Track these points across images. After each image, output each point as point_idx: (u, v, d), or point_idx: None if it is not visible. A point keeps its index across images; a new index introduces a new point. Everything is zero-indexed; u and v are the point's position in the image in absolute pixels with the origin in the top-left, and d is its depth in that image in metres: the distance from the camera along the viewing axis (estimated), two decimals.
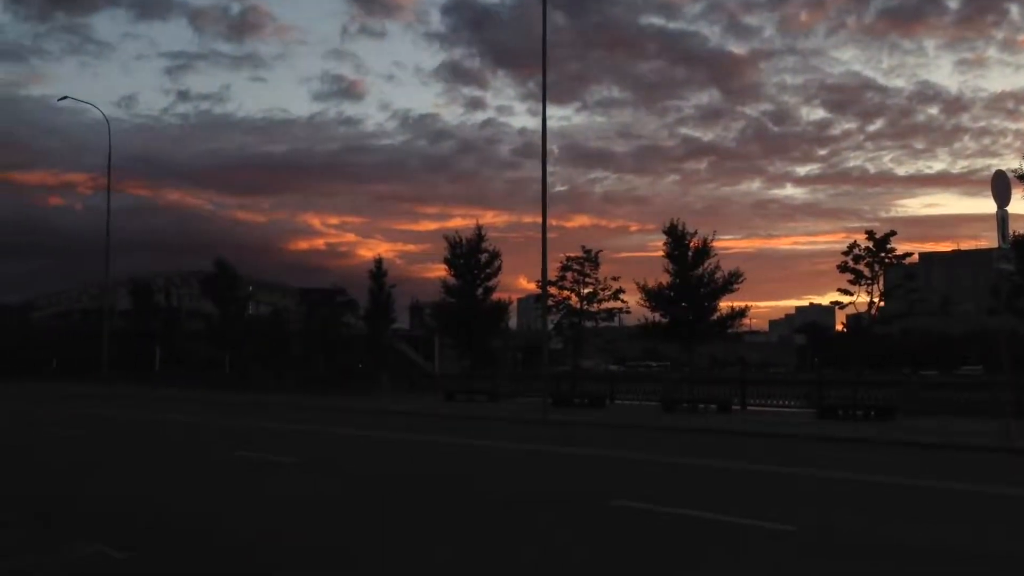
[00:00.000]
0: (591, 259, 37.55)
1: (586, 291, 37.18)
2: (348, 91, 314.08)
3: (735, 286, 34.18)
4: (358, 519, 10.46)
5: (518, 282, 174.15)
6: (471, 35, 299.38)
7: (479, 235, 40.58)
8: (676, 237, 34.43)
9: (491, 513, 10.84)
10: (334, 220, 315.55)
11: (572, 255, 37.29)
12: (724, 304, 35.05)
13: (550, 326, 35.71)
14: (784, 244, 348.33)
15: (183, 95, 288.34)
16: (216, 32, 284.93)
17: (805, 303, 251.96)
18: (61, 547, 8.77)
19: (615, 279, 37.42)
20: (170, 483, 13.52)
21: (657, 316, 35.26)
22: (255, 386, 48.93)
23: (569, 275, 37.12)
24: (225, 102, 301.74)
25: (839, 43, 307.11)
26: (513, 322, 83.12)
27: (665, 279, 34.77)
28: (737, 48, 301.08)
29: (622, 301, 37.50)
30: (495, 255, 40.90)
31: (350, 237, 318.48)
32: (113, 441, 20.99)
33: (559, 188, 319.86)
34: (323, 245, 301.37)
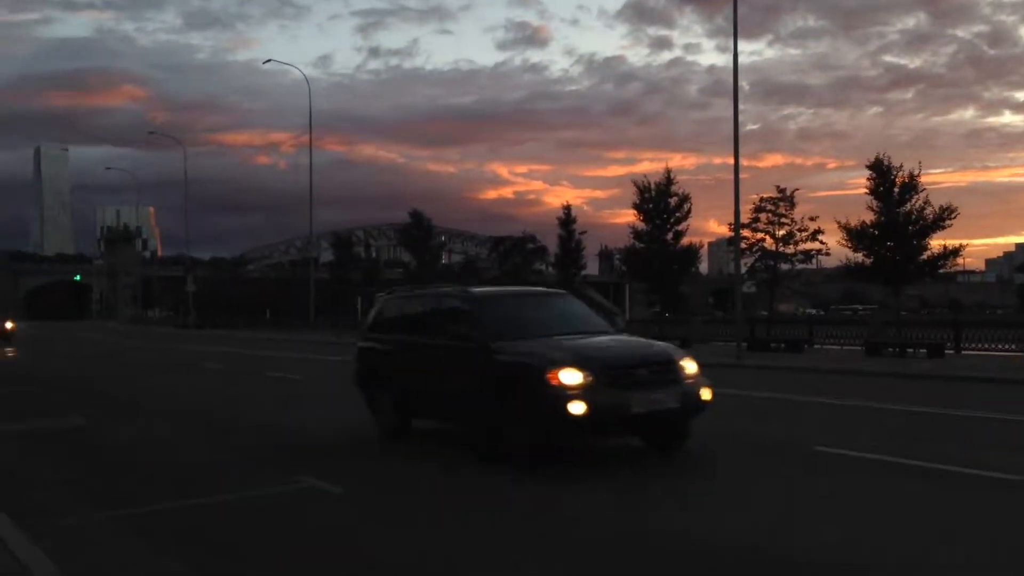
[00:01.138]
0: (786, 199, 36.06)
1: (781, 232, 35.78)
2: (532, 38, 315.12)
3: (947, 223, 31.86)
4: None
5: (708, 226, 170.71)
6: None
7: (668, 178, 39.67)
8: (881, 172, 32.41)
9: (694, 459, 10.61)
10: (521, 168, 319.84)
11: (766, 195, 35.96)
12: (935, 242, 32.81)
13: (743, 269, 34.62)
14: (1002, 176, 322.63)
15: (374, 52, 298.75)
16: None
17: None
18: (284, 481, 9.34)
19: (813, 219, 35.83)
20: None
21: (860, 257, 33.45)
22: None
23: (763, 216, 35.82)
24: (414, 56, 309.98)
25: None
26: (704, 267, 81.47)
27: (869, 217, 32.88)
28: None
29: (820, 242, 35.87)
30: (685, 198, 39.94)
31: (537, 185, 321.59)
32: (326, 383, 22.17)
33: (750, 127, 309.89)
34: (511, 194, 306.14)
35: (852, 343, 35.21)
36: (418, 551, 6.82)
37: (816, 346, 34.86)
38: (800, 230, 36.08)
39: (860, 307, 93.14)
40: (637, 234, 40.19)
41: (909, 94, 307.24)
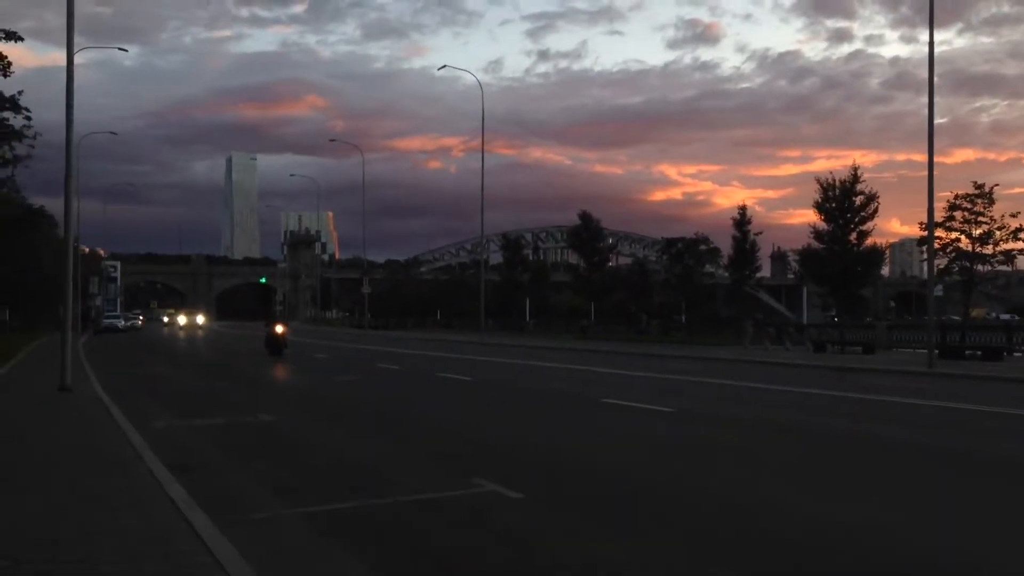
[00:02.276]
0: (984, 196, 33.51)
1: (979, 231, 33.26)
2: (703, 35, 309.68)
3: None
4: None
5: (890, 225, 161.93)
6: None
7: (854, 176, 37.78)
8: None
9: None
10: (690, 169, 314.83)
11: (962, 192, 33.53)
12: None
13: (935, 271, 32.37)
14: None
15: (543, 55, 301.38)
16: None
17: None
18: (461, 484, 9.17)
19: (1015, 215, 33.10)
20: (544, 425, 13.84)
21: None
22: (617, 335, 49.93)
23: (958, 214, 33.41)
24: (583, 58, 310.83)
25: None
26: (885, 270, 77.39)
27: None
28: None
29: (1023, 240, 33.15)
30: (871, 197, 37.88)
31: (706, 185, 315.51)
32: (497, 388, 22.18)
33: (939, 120, 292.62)
34: (679, 195, 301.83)
35: None
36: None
37: (1016, 354, 32.31)
38: (999, 228, 33.42)
39: None
40: (818, 234, 38.44)
41: None
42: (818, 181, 38.30)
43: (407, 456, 11.27)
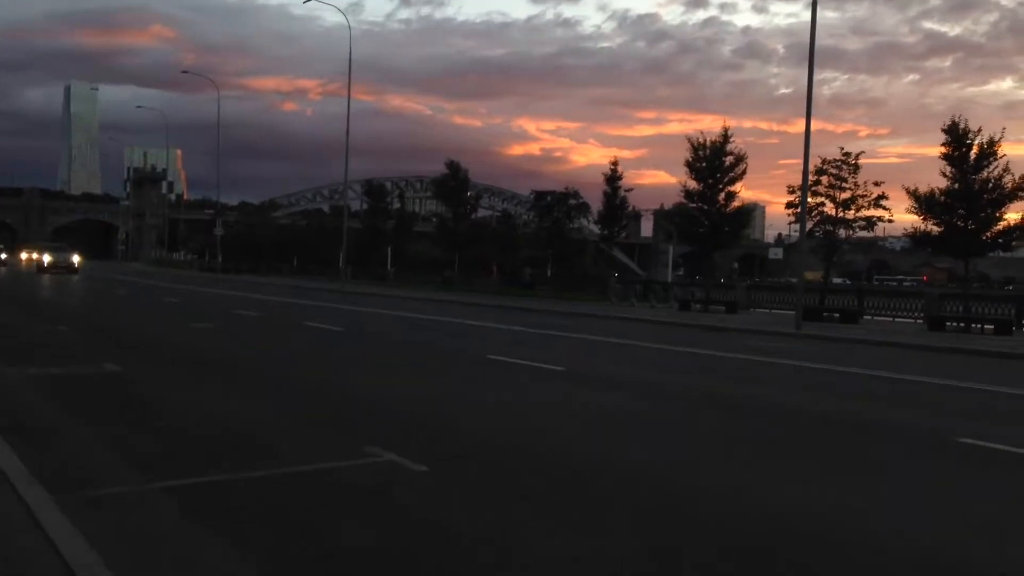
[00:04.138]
0: (849, 164, 34.09)
1: (843, 197, 33.87)
2: None
3: None
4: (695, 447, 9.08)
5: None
6: None
7: (725, 137, 37.88)
8: (956, 136, 30.39)
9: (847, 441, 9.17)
10: (549, 125, 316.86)
11: (830, 158, 33.99)
12: (1011, 215, 30.92)
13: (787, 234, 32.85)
14: None
15: (406, 0, 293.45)
16: None
17: None
18: (352, 453, 7.95)
19: (877, 184, 33.84)
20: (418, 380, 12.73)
21: (930, 225, 31.54)
22: (481, 287, 49.10)
23: (824, 179, 33.85)
24: (446, 6, 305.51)
25: None
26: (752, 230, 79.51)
27: (941, 183, 30.99)
28: None
29: (884, 208, 33.97)
30: (741, 158, 38.13)
31: (564, 142, 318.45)
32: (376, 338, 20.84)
33: (783, 90, 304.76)
34: (538, 150, 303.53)
35: (904, 315, 33.72)
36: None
37: (866, 317, 33.34)
38: (861, 195, 34.13)
39: (905, 279, 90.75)
40: (688, 193, 38.47)
41: (947, 62, 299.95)
42: (689, 140, 38.29)
43: (284, 419, 9.92)
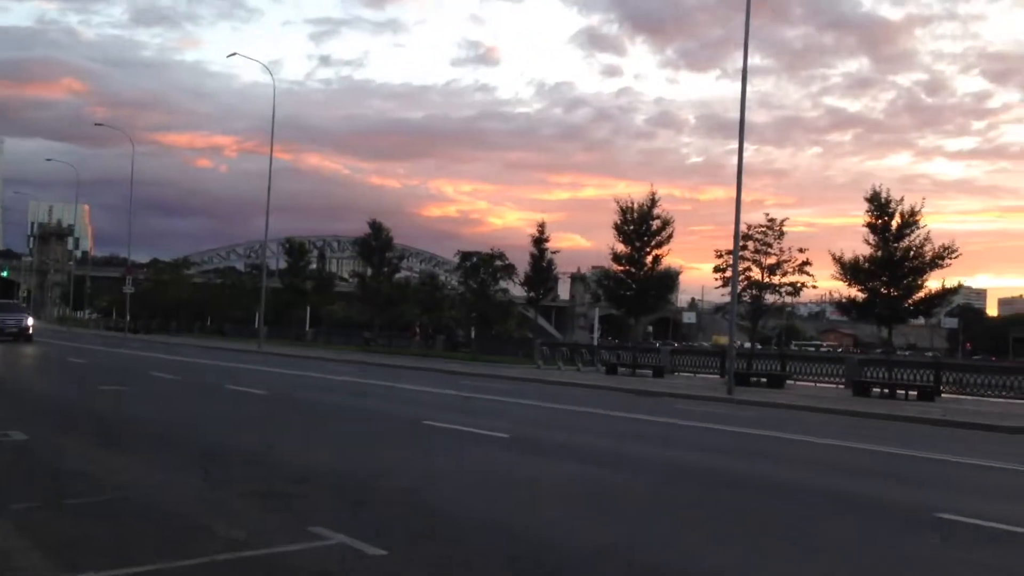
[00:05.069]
0: (775, 229, 34.63)
1: (769, 262, 34.29)
2: (485, 57, 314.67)
3: (946, 261, 30.63)
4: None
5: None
6: (610, 0, 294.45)
7: (652, 200, 38.13)
8: (879, 205, 31.09)
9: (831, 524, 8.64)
10: (466, 187, 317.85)
11: (756, 224, 34.50)
12: (931, 282, 31.64)
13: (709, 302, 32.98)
14: (933, 222, 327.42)
15: (325, 60, 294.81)
16: None
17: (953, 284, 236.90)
18: (297, 534, 7.10)
19: (802, 250, 34.39)
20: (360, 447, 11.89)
21: (855, 292, 32.05)
22: (402, 350, 48.13)
23: (751, 244, 34.25)
24: (365, 68, 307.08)
25: (1004, 8, 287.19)
26: (675, 295, 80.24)
27: (860, 252, 31.64)
28: (892, 13, 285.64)
29: (807, 274, 34.51)
30: (667, 222, 38.37)
31: (481, 204, 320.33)
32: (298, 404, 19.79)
33: (694, 159, 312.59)
34: (455, 212, 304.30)
35: (826, 380, 34.00)
36: None
37: (789, 382, 33.49)
38: (785, 261, 34.63)
39: (822, 344, 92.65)
40: (616, 256, 38.46)
41: (847, 136, 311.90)
42: (617, 202, 38.52)
43: (217, 495, 8.96)
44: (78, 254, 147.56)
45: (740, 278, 33.96)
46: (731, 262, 30.81)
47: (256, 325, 56.08)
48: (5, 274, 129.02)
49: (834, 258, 31.86)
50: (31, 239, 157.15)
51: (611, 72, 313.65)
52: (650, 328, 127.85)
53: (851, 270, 31.57)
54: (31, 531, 7.11)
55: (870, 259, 31.24)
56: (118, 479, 9.53)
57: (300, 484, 9.58)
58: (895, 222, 30.87)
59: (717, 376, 35.49)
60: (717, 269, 34.10)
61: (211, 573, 6.18)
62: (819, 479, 11.55)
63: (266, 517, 7.98)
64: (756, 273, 34.60)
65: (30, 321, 45.58)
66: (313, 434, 14.21)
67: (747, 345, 43.91)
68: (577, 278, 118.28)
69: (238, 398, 19.92)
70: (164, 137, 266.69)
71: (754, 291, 34.64)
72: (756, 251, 34.51)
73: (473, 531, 7.76)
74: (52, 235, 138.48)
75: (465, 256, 47.89)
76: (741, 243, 33.47)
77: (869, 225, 31.30)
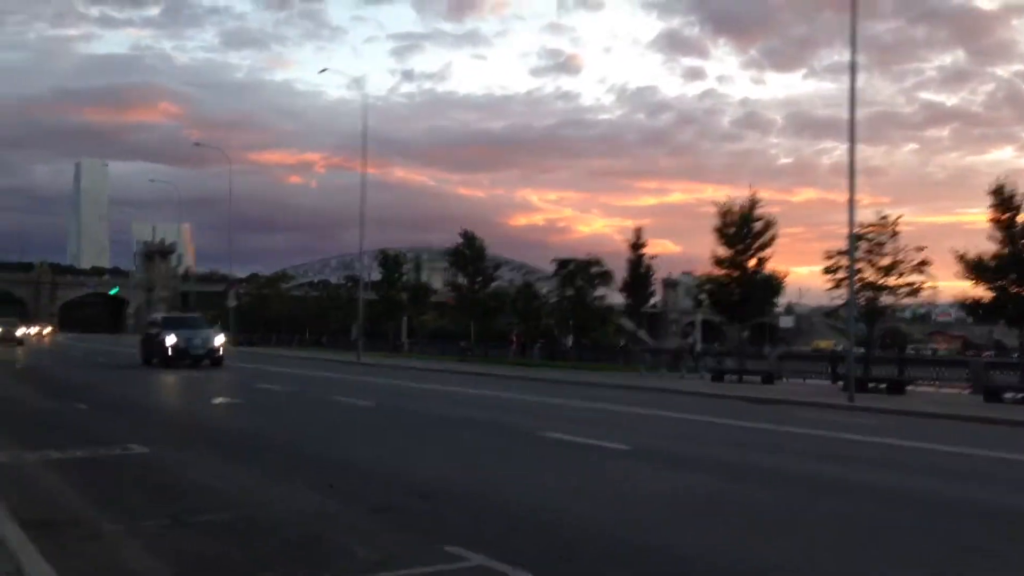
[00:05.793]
0: (887, 228, 32.94)
1: (884, 262, 32.64)
2: (565, 65, 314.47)
3: None
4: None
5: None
6: (690, 2, 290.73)
7: (752, 202, 36.88)
8: (1003, 200, 29.34)
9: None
10: (552, 195, 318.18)
11: (868, 223, 32.87)
12: None
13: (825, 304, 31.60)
14: None
15: (408, 75, 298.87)
16: (437, 12, 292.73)
17: None
18: (432, 554, 6.63)
19: (920, 249, 32.61)
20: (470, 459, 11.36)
21: (981, 291, 30.29)
22: (500, 359, 47.73)
23: (863, 244, 32.67)
24: (447, 80, 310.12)
25: None
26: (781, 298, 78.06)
27: (990, 249, 29.84)
28: (986, 3, 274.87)
29: (926, 274, 32.72)
30: (770, 223, 37.04)
31: (567, 212, 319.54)
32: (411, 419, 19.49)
33: (782, 160, 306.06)
34: (541, 221, 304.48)
35: (951, 386, 32.27)
36: None
37: (910, 387, 31.88)
38: (900, 261, 32.90)
39: (936, 347, 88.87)
40: (718, 260, 37.31)
41: (945, 132, 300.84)
42: (715, 205, 37.40)
43: (344, 511, 8.57)
44: (180, 271, 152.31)
45: (854, 280, 32.55)
46: (841, 263, 29.46)
47: (353, 336, 56.57)
48: (114, 292, 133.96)
49: (957, 256, 30.16)
50: (136, 257, 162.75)
51: (694, 75, 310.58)
52: (746, 333, 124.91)
53: (976, 268, 29.85)
54: (160, 551, 6.83)
55: (996, 256, 29.48)
56: (241, 494, 9.28)
57: (426, 500, 9.15)
58: (1021, 217, 29.07)
59: (828, 382, 34.12)
60: (828, 271, 32.60)
61: None
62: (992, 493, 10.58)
63: (399, 535, 7.57)
64: (869, 274, 32.96)
65: (220, 340, 35.27)
66: (429, 447, 13.82)
67: (858, 350, 42.08)
68: (670, 283, 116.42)
69: (347, 410, 19.75)
70: (256, 156, 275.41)
71: (870, 293, 32.99)
72: (869, 251, 32.89)
73: (616, 553, 7.17)
74: (156, 253, 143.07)
75: (562, 263, 47.35)
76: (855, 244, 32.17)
77: (994, 220, 29.56)
